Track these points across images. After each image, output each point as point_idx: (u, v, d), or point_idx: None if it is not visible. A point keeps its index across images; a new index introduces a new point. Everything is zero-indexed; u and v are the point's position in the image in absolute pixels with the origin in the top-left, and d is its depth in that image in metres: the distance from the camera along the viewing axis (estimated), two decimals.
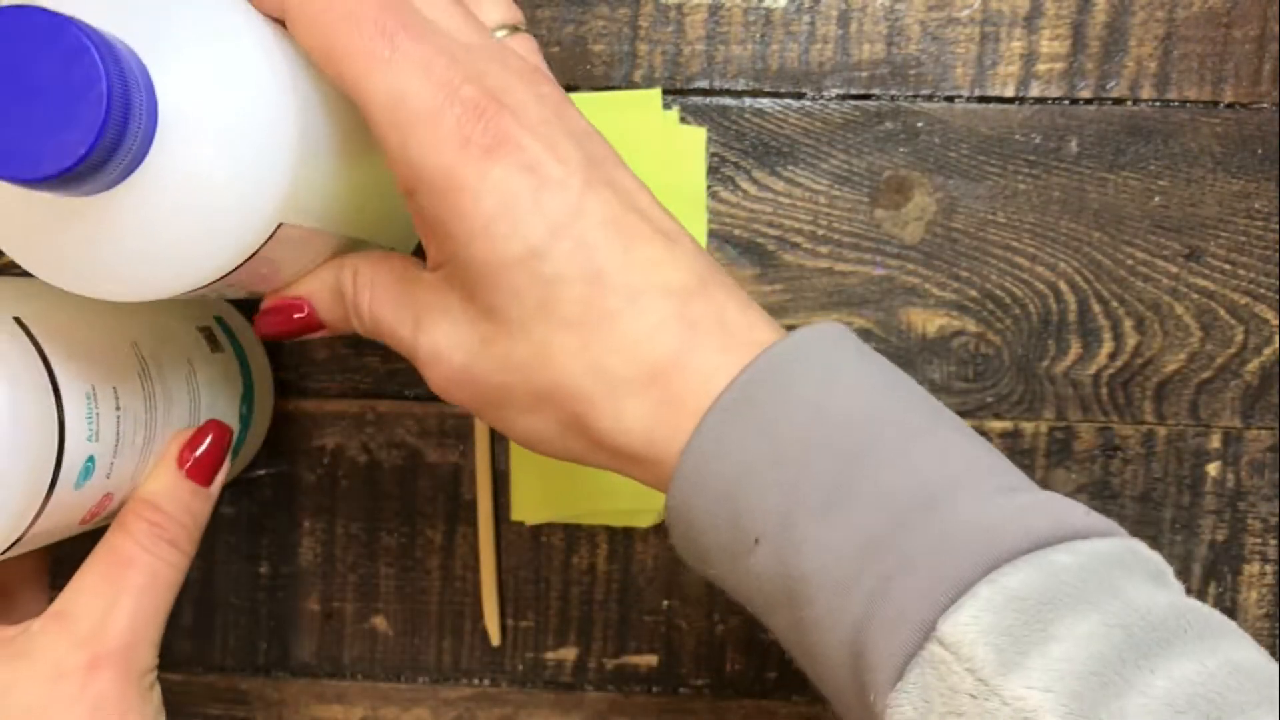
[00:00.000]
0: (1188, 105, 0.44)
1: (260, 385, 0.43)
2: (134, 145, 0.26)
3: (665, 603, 0.46)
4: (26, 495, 0.30)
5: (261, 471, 0.47)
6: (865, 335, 0.44)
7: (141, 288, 0.28)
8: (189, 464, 0.36)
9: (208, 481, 0.37)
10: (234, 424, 0.40)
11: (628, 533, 0.46)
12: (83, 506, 0.33)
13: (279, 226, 0.28)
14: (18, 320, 0.31)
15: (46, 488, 0.30)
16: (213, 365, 0.39)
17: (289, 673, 0.47)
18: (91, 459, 0.32)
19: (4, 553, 0.31)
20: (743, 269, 0.45)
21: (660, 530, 0.46)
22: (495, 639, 0.47)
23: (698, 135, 0.44)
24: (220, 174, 0.27)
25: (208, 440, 0.37)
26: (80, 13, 0.26)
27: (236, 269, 0.28)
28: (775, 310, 0.45)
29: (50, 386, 0.31)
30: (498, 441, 0.46)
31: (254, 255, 0.28)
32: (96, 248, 0.27)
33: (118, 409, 0.33)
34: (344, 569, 0.47)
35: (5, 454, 0.29)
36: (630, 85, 0.45)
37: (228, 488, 0.46)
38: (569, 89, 0.45)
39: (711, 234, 0.45)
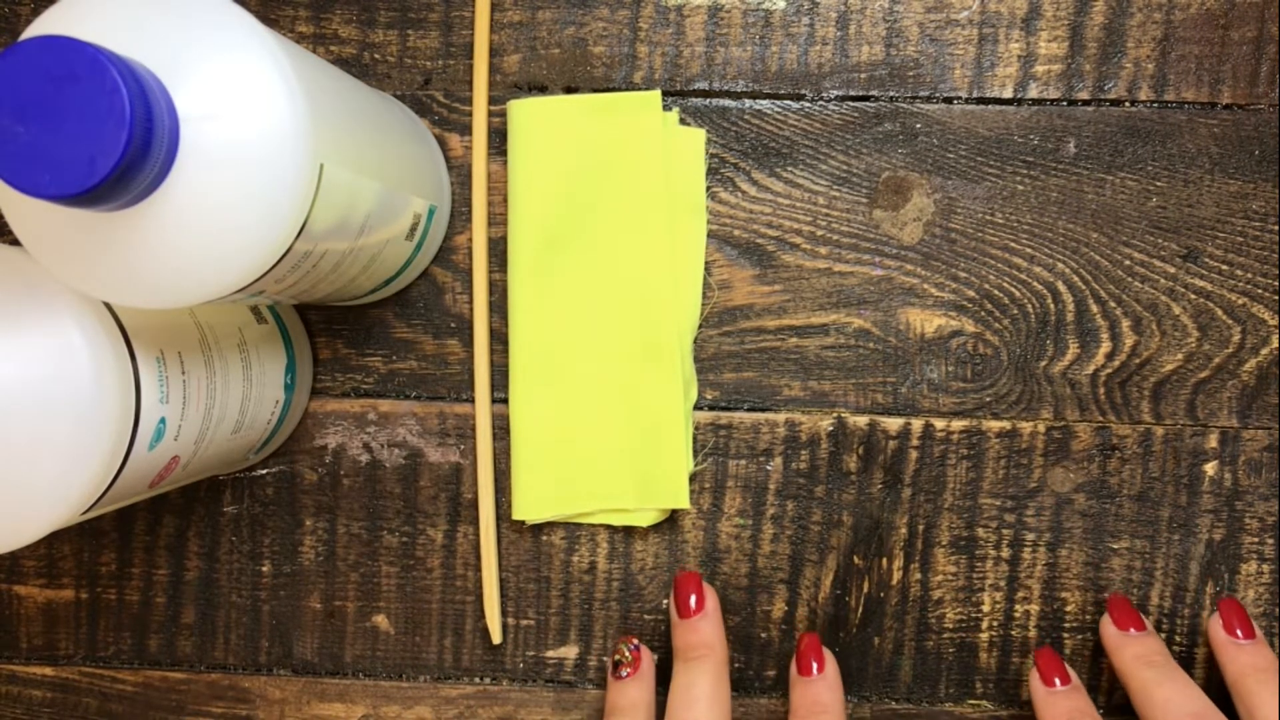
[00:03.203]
0: (1185, 106, 0.47)
1: (301, 358, 0.47)
2: (157, 164, 0.29)
3: (665, 602, 0.49)
4: (107, 455, 0.34)
5: (263, 471, 0.49)
6: (864, 335, 0.47)
7: (165, 297, 0.31)
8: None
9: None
10: (279, 394, 0.44)
11: (628, 532, 0.49)
12: (154, 468, 0.37)
13: (296, 239, 0.32)
14: None
15: (125, 448, 0.34)
16: (260, 336, 0.44)
17: (291, 671, 0.50)
18: (163, 420, 0.36)
19: (85, 512, 0.35)
20: (742, 269, 0.48)
21: (660, 529, 0.49)
22: (496, 637, 0.49)
23: (697, 136, 0.47)
24: (239, 191, 0.30)
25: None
26: (104, 39, 0.29)
27: (257, 280, 0.32)
28: (775, 311, 0.48)
29: (127, 351, 0.34)
30: (498, 441, 0.49)
31: (273, 267, 0.32)
32: (123, 260, 0.31)
33: (183, 373, 0.37)
34: (345, 568, 0.50)
35: (90, 415, 0.34)
36: (630, 87, 0.47)
37: (231, 487, 0.49)
38: (569, 90, 0.48)
39: (711, 235, 0.48)
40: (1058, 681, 0.45)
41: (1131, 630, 0.45)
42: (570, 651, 0.50)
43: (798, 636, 0.48)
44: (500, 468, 0.49)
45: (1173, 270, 0.47)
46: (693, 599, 0.46)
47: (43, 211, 0.31)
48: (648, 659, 0.47)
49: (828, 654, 0.46)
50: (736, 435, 0.48)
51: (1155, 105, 0.47)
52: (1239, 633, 0.45)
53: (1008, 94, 0.47)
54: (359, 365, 0.49)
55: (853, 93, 0.47)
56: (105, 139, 0.28)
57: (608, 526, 0.49)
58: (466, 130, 0.48)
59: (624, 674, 0.46)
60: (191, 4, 0.31)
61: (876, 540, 0.48)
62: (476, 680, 0.50)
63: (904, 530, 0.48)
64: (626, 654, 0.46)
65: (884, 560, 0.48)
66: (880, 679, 0.49)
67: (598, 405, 0.48)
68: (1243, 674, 0.43)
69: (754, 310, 0.48)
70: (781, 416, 0.48)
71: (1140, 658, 0.44)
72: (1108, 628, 0.46)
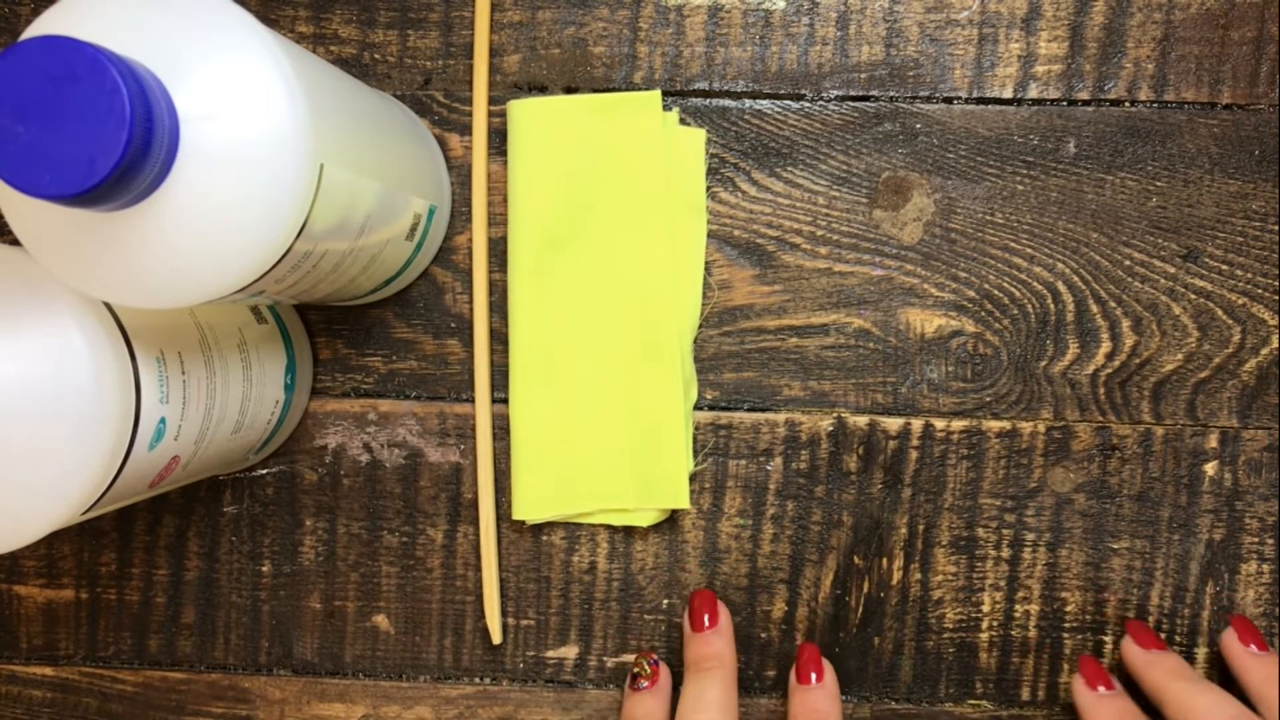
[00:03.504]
0: (1185, 106, 0.47)
1: (301, 358, 0.47)
2: (157, 164, 0.29)
3: (665, 602, 0.49)
4: (107, 455, 0.34)
5: (263, 471, 0.49)
6: (864, 335, 0.47)
7: (165, 297, 0.31)
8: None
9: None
10: (279, 394, 0.44)
11: (628, 532, 0.49)
12: (154, 468, 0.37)
13: (296, 239, 0.32)
14: None
15: (125, 448, 0.34)
16: (260, 336, 0.44)
17: (291, 671, 0.50)
18: (163, 421, 0.36)
19: (85, 512, 0.35)
20: (742, 269, 0.48)
21: (660, 529, 0.49)
22: (496, 637, 0.49)
23: (697, 136, 0.47)
24: (239, 191, 0.30)
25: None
26: (104, 39, 0.29)
27: (257, 280, 0.32)
28: (775, 311, 0.48)
29: (127, 351, 0.34)
30: (498, 441, 0.49)
31: (273, 267, 0.32)
32: (123, 260, 0.31)
33: (183, 373, 0.37)
34: (346, 568, 0.50)
35: (90, 416, 0.33)
36: (630, 87, 0.47)
37: (231, 487, 0.49)
38: (569, 90, 0.48)
39: (711, 235, 0.48)
40: (1101, 688, 0.46)
41: (1153, 650, 0.46)
42: (570, 651, 0.50)
43: (797, 645, 0.48)
44: (500, 468, 0.49)
45: (1173, 270, 0.47)
46: (706, 617, 0.47)
47: (43, 211, 0.31)
48: (665, 674, 0.48)
49: (826, 664, 0.47)
50: (736, 435, 0.48)
51: (1155, 105, 0.47)
52: (1253, 646, 0.46)
53: (1008, 94, 0.47)
54: (359, 365, 0.49)
55: (853, 93, 0.47)
56: (105, 139, 0.28)
57: (608, 526, 0.49)
58: (466, 130, 0.48)
59: (642, 686, 0.47)
60: (191, 4, 0.31)
61: (876, 540, 0.48)
62: (476, 680, 0.50)
63: (904, 530, 0.48)
64: (646, 668, 0.47)
65: (884, 560, 0.48)
66: (880, 679, 0.49)
67: (598, 405, 0.48)
68: (1265, 682, 0.44)
69: (754, 310, 0.48)
70: (781, 416, 0.48)
71: (1172, 672, 0.45)
72: (1132, 649, 0.47)
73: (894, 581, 0.49)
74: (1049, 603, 0.48)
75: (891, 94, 0.47)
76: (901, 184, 0.47)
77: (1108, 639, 0.48)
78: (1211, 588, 0.48)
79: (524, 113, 0.47)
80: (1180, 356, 0.47)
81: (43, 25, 0.31)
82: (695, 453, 0.48)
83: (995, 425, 0.48)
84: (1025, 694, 0.49)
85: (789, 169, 0.47)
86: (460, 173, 0.48)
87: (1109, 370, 0.47)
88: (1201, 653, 0.48)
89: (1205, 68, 0.46)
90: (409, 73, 0.48)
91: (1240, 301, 0.47)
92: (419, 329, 0.49)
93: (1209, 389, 0.47)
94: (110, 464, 0.34)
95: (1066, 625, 0.48)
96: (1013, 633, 0.49)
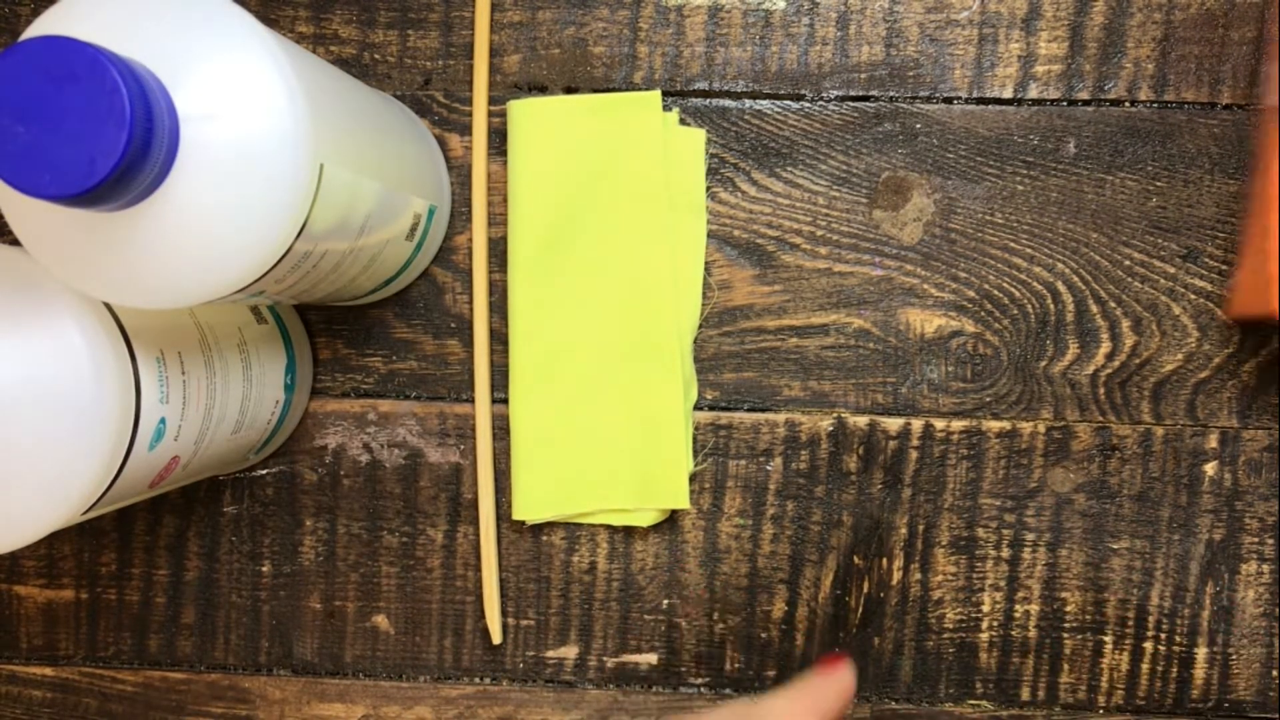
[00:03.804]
0: (1185, 107, 0.47)
1: (301, 358, 0.47)
2: (157, 164, 0.29)
3: (665, 602, 0.49)
4: (107, 455, 0.34)
5: (263, 471, 0.49)
6: (864, 335, 0.47)
7: (165, 297, 0.32)
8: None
9: None
10: (279, 394, 0.44)
11: (628, 532, 0.49)
12: (154, 468, 0.37)
13: (296, 239, 0.32)
14: None
15: (125, 448, 0.34)
16: (260, 336, 0.44)
17: (291, 671, 0.50)
18: (163, 421, 0.36)
19: (85, 512, 0.35)
20: (742, 269, 0.48)
21: (660, 529, 0.49)
22: (496, 637, 0.49)
23: (697, 137, 0.47)
24: (239, 191, 0.30)
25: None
26: (104, 39, 0.29)
27: (257, 280, 0.32)
28: (775, 311, 0.48)
29: (127, 351, 0.34)
30: (498, 441, 0.49)
31: (273, 267, 0.32)
32: (123, 260, 0.31)
33: (183, 373, 0.37)
34: (346, 568, 0.50)
35: (90, 416, 0.34)
36: (630, 87, 0.47)
37: (231, 487, 0.50)
38: (569, 90, 0.48)
39: (711, 235, 0.48)
40: None
41: None
42: (570, 651, 0.50)
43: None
44: (500, 468, 0.49)
45: (1173, 270, 0.47)
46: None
47: (43, 211, 0.31)
48: None
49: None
50: (736, 435, 0.48)
51: (1155, 105, 0.47)
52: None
53: (1008, 94, 0.47)
54: (359, 365, 0.49)
55: (853, 93, 0.47)
56: (105, 139, 0.28)
57: (608, 526, 0.49)
58: (466, 130, 0.48)
59: None
60: (191, 4, 0.31)
61: (876, 540, 0.48)
62: (476, 680, 0.50)
63: (904, 530, 0.48)
64: None
65: (884, 560, 0.48)
66: (880, 679, 0.49)
67: (598, 405, 0.48)
68: None
69: (754, 310, 0.48)
70: (781, 416, 0.48)
71: None
72: None
73: (894, 581, 0.49)
74: (1049, 603, 0.48)
75: (891, 94, 0.47)
76: (901, 184, 0.47)
77: (1107, 639, 0.48)
78: (1211, 588, 0.48)
79: (524, 113, 0.47)
80: (1180, 356, 0.47)
81: (43, 25, 0.31)
82: (695, 453, 0.48)
83: (995, 425, 0.48)
84: (1025, 694, 0.49)
85: (789, 169, 0.47)
86: (460, 173, 0.48)
87: (1109, 370, 0.47)
88: (1201, 653, 0.48)
89: (1205, 68, 0.46)
90: (409, 73, 0.48)
91: None
92: (419, 329, 0.49)
93: (1209, 389, 0.47)
94: (110, 464, 0.34)
95: (1066, 625, 0.48)
96: (1013, 633, 0.49)
